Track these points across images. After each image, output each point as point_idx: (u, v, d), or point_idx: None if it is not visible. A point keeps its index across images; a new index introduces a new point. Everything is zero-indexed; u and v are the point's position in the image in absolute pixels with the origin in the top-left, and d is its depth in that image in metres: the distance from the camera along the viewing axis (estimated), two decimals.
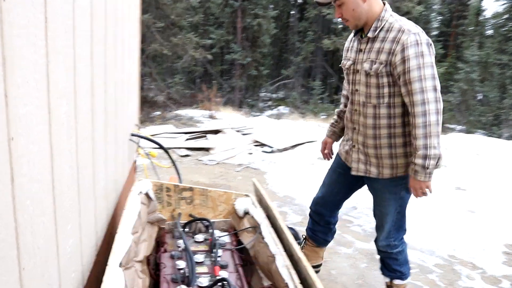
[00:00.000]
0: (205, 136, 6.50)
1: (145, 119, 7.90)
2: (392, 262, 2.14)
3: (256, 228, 1.88)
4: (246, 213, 2.05)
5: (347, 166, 2.11)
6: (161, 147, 2.43)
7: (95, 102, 1.40)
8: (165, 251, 1.81)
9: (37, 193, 0.87)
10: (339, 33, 15.96)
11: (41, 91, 0.88)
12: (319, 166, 5.36)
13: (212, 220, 2.10)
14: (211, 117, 8.41)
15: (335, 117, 2.29)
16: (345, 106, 2.19)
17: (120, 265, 1.28)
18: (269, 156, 5.64)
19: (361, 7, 1.81)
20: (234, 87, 16.02)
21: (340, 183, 2.22)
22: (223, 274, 1.62)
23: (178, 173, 2.46)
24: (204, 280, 1.56)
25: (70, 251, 1.13)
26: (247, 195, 2.13)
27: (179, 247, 1.85)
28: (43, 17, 0.86)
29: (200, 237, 1.94)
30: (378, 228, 2.15)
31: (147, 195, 1.98)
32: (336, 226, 2.46)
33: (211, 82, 14.53)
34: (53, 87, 0.94)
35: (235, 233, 2.02)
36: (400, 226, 2.07)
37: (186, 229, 2.01)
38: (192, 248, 1.87)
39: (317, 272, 2.47)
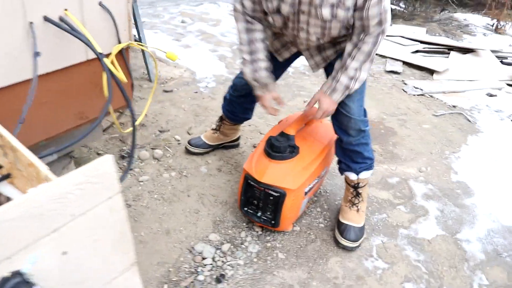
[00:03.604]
0: (447, 53, 4.57)
1: (406, 14, 6.26)
2: (364, 149, 1.85)
3: None
4: None
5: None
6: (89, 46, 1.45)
7: None
8: None
9: None
10: None
11: None
12: None
13: None
14: (496, 30, 5.94)
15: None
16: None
17: None
18: None
19: None
20: None
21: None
22: None
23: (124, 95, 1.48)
24: None
25: None
26: None
27: None
28: None
29: None
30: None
31: None
32: None
33: None
34: None
35: None
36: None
37: None
38: None
39: (238, 145, 2.49)
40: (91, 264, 1.02)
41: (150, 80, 3.18)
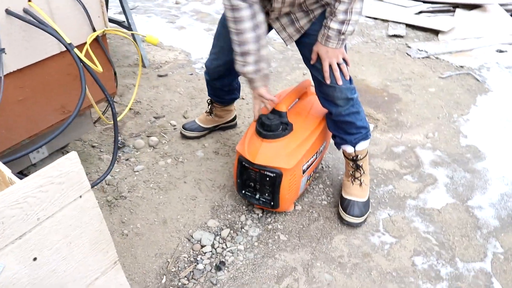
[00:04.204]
0: (452, 11, 4.37)
1: None
2: (356, 118, 1.72)
3: None
4: None
5: None
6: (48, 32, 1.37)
7: None
8: None
9: None
10: None
11: None
12: None
13: None
14: None
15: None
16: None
17: None
18: None
19: None
20: None
21: None
22: None
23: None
24: None
25: None
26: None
27: None
28: None
29: None
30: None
31: None
32: None
33: None
34: None
35: None
36: None
37: None
38: None
39: (235, 125, 2.41)
40: (67, 268, 0.97)
41: (144, 66, 3.10)
